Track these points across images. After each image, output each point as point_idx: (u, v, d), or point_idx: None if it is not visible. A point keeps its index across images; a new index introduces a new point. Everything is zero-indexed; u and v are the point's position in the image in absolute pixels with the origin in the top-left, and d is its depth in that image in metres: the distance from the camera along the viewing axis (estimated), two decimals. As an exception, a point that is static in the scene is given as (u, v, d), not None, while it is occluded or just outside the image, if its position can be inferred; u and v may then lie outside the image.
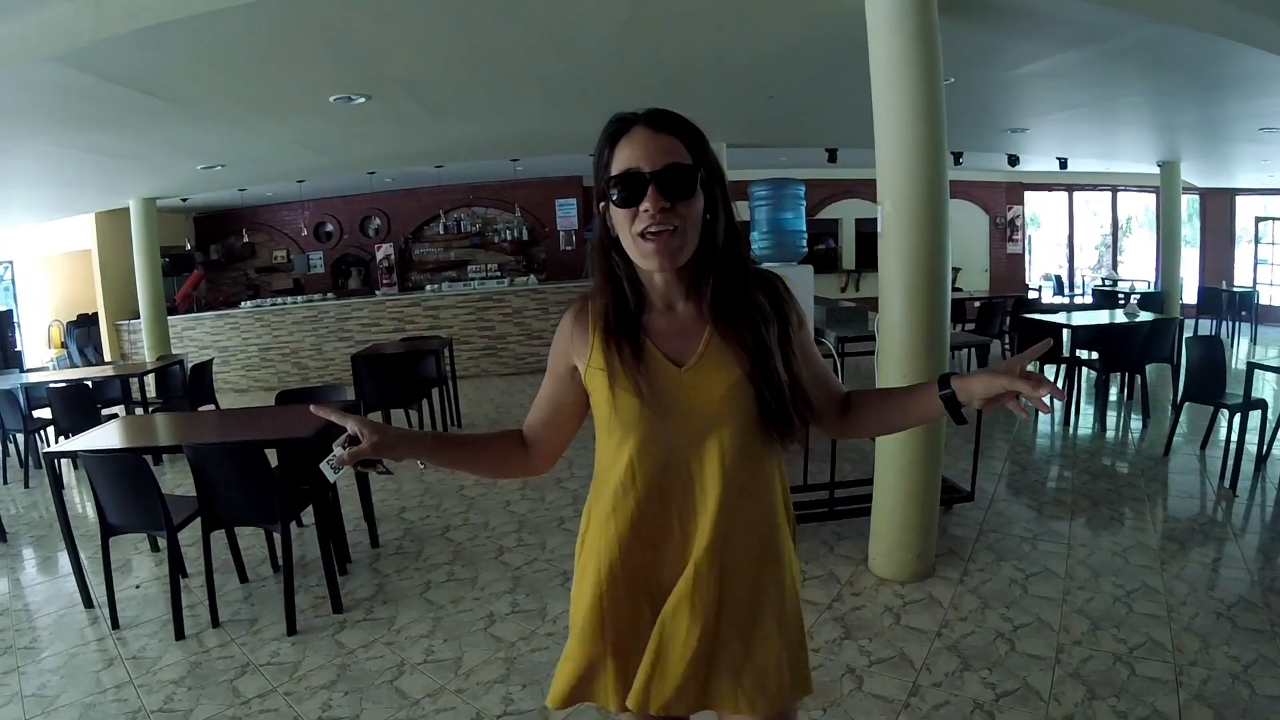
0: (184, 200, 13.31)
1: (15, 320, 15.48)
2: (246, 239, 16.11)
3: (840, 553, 4.83)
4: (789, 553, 1.77)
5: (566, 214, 15.59)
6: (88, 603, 4.91)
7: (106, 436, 5.10)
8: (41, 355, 15.54)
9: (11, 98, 5.26)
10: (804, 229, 5.12)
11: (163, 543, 4.97)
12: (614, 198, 1.51)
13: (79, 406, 7.97)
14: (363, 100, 6.23)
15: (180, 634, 4.39)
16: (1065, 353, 8.13)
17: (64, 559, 5.05)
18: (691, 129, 1.58)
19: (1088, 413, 8.20)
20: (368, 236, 15.91)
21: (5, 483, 8.46)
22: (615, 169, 1.51)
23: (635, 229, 1.49)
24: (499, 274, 14.92)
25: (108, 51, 4.56)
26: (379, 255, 15.56)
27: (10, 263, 16.01)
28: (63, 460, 5.28)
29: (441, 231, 15.71)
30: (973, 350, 8.83)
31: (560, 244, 15.59)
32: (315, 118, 6.87)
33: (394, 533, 5.69)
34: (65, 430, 7.88)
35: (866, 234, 16.35)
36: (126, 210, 11.45)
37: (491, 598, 4.53)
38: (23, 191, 9.61)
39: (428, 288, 13.44)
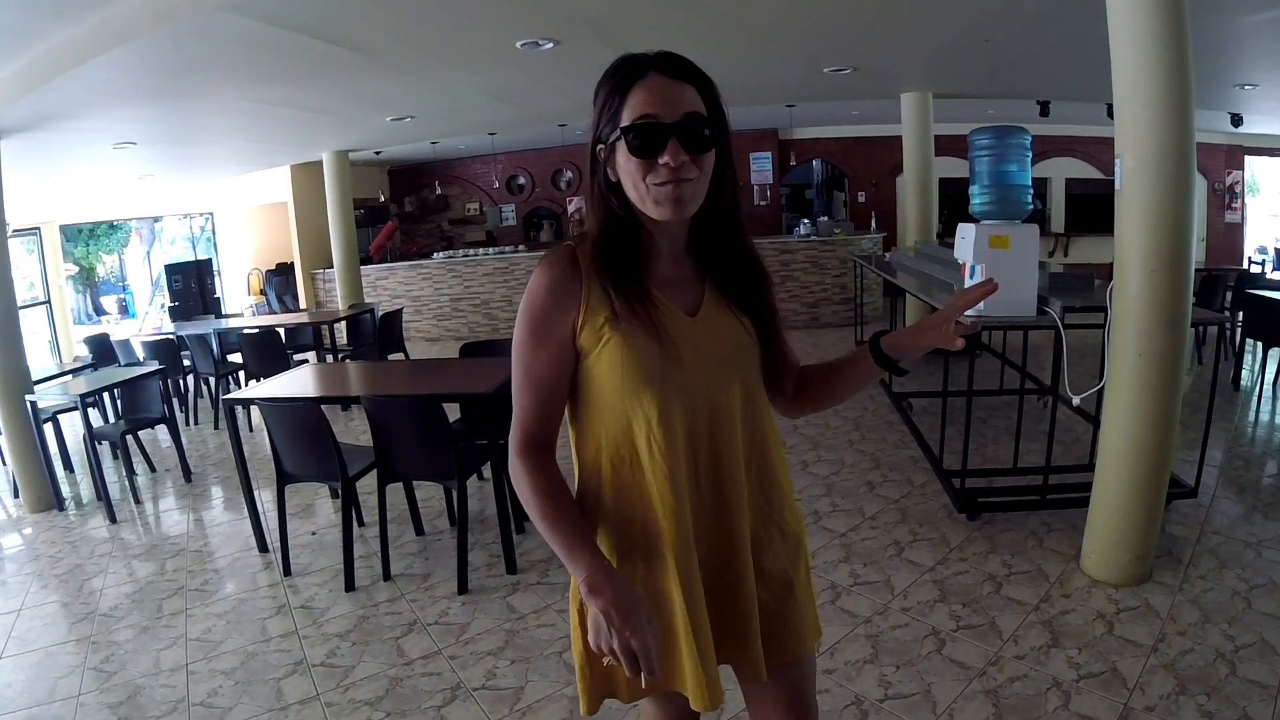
0: (378, 153, 13.76)
1: (216, 269, 16.36)
2: (440, 191, 16.56)
3: (1050, 546, 4.33)
4: (796, 507, 1.75)
5: (761, 168, 15.07)
6: (262, 548, 5.08)
7: (287, 385, 5.19)
8: (241, 302, 16.52)
9: (193, 50, 5.28)
10: (1029, 184, 4.57)
11: (344, 491, 4.98)
12: (630, 147, 1.41)
13: (269, 352, 8.43)
14: (550, 45, 6.00)
15: (350, 585, 4.43)
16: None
17: (245, 503, 5.11)
18: (704, 76, 1.49)
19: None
20: (559, 190, 15.97)
21: (196, 423, 8.96)
22: (629, 116, 1.42)
23: (651, 179, 1.42)
24: None
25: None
26: (570, 208, 15.63)
27: (211, 214, 17.09)
28: (250, 406, 5.34)
29: None
30: (1202, 330, 8.00)
31: (755, 199, 15.08)
32: (502, 66, 6.71)
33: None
34: (256, 375, 8.32)
35: (1078, 195, 15.21)
36: (320, 163, 11.81)
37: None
38: (219, 146, 9.93)
39: None
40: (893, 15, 5.88)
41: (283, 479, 4.67)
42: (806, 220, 12.44)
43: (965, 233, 4.48)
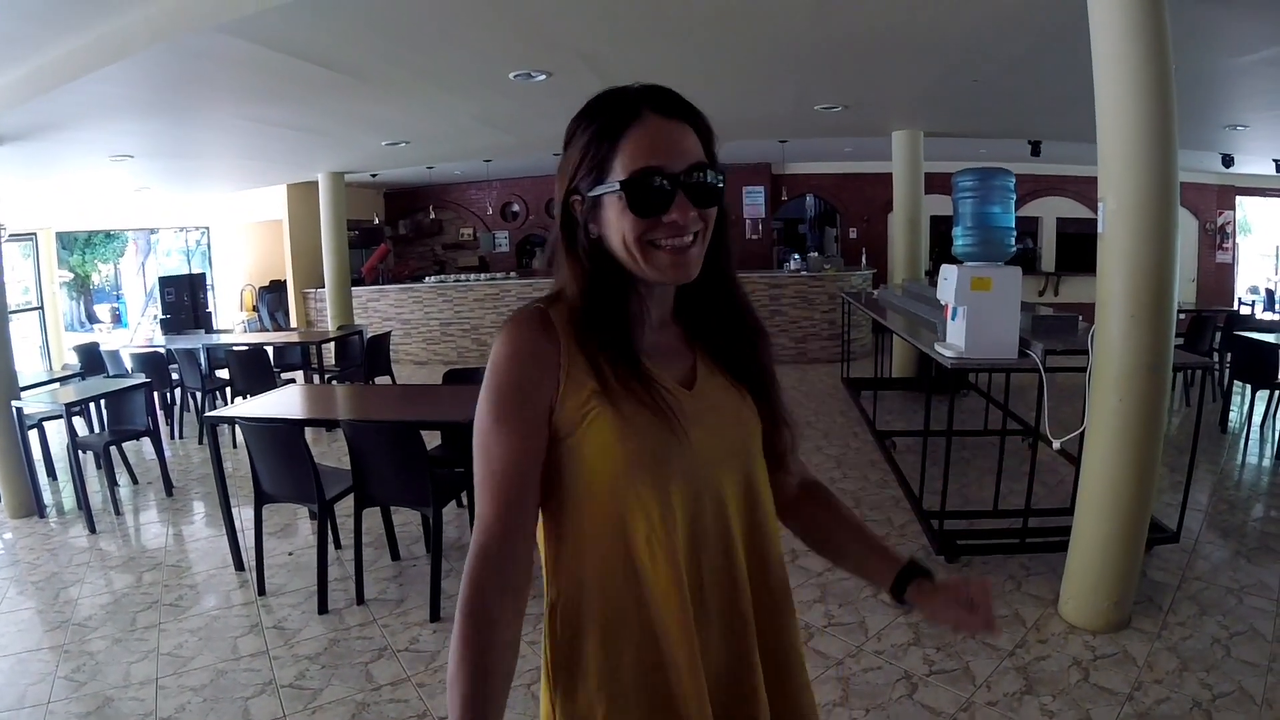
0: (374, 176, 13.81)
1: (209, 283, 16.49)
2: (434, 216, 16.63)
3: (1028, 591, 4.31)
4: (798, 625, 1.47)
5: (754, 201, 15.16)
6: (239, 565, 5.05)
7: (270, 405, 5.17)
8: (233, 317, 16.55)
9: (189, 68, 5.30)
10: (1013, 225, 4.59)
11: (323, 513, 4.98)
12: (631, 204, 1.19)
13: (256, 370, 8.39)
14: (543, 77, 6.07)
15: (324, 607, 4.40)
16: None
17: (223, 520, 5.11)
18: (699, 113, 1.28)
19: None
20: (553, 217, 15.75)
21: (181, 437, 8.97)
22: (626, 166, 1.19)
23: (650, 238, 1.21)
24: None
25: (274, 22, 4.49)
26: (565, 237, 15.52)
27: (207, 228, 17.17)
28: (232, 424, 5.34)
29: None
30: (1190, 372, 8.03)
31: (746, 233, 15.14)
32: (496, 94, 6.75)
33: None
34: (243, 391, 8.28)
35: (1069, 235, 15.28)
36: (316, 183, 11.84)
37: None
38: (215, 162, 9.94)
39: None
40: (881, 53, 5.92)
41: (260, 499, 4.66)
42: (797, 255, 12.51)
43: (948, 274, 4.51)
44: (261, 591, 4.69)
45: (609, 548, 1.22)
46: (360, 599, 4.49)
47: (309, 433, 4.43)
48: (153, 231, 17.03)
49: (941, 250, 9.91)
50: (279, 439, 4.43)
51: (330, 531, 5.08)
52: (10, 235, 12.57)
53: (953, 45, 5.67)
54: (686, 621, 1.21)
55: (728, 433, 1.31)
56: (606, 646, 1.23)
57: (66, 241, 20.09)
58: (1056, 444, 4.01)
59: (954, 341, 4.60)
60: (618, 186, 1.18)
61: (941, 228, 10.66)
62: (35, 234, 14.23)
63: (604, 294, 1.25)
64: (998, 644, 3.78)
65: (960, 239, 4.59)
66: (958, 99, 7.55)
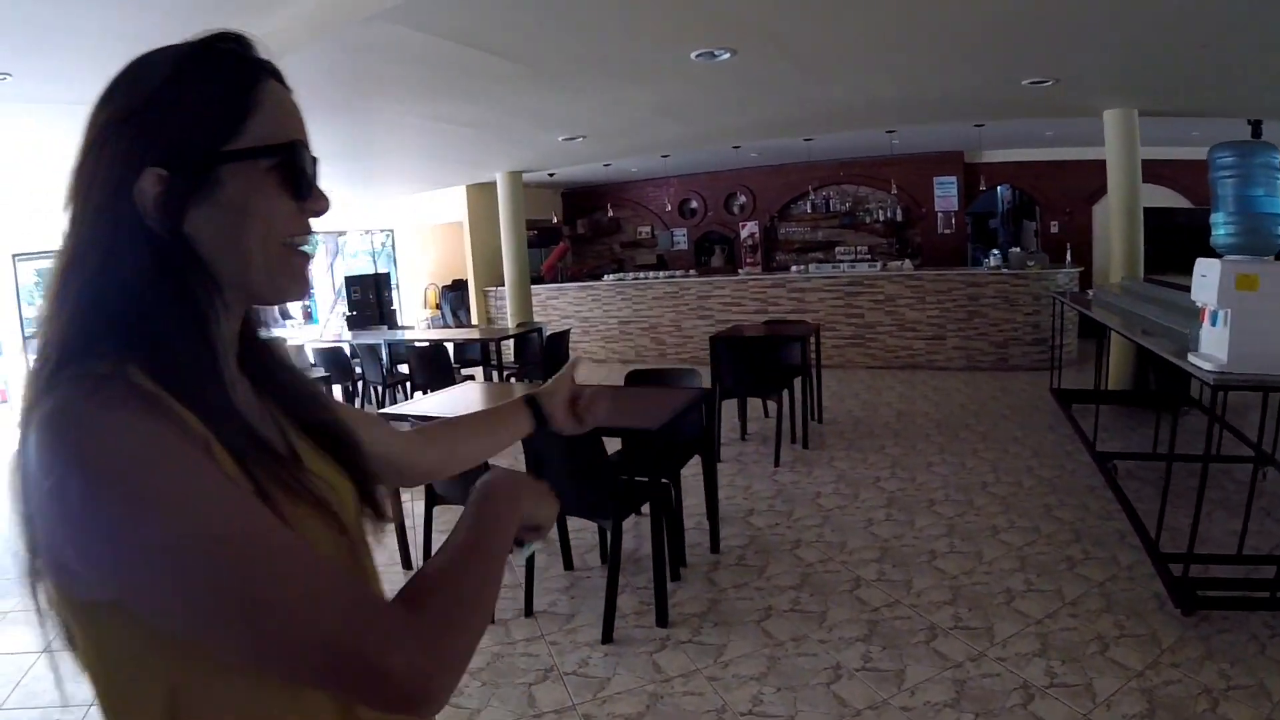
0: (551, 175, 13.81)
1: (394, 282, 17.11)
2: (611, 214, 16.46)
3: (1274, 655, 3.51)
4: None
5: (945, 193, 14.15)
6: (406, 564, 4.93)
7: (445, 404, 5.00)
8: (417, 315, 17.27)
9: (356, 63, 5.20)
10: (1280, 212, 3.85)
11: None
12: (286, 179, 0.88)
13: (435, 366, 8.46)
14: (727, 56, 5.60)
15: (490, 617, 4.06)
16: None
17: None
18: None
19: None
20: (732, 214, 15.58)
21: None
22: (264, 133, 0.86)
23: (283, 233, 0.89)
24: (869, 257, 13.92)
25: (437, 6, 4.28)
26: (743, 233, 15.15)
27: (392, 231, 18.04)
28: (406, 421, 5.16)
29: (809, 210, 14.93)
30: None
31: (938, 226, 14.24)
32: (675, 79, 6.38)
33: (738, 539, 5.03)
34: (422, 386, 8.44)
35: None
36: (495, 184, 11.96)
37: (840, 644, 3.71)
38: (394, 163, 10.04)
39: (793, 268, 12.59)
40: (1104, 21, 5.21)
41: (432, 499, 4.50)
42: (996, 251, 11.59)
43: (1207, 269, 3.77)
44: None
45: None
46: (529, 610, 4.21)
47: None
48: (340, 234, 17.90)
49: (1156, 248, 8.95)
50: None
51: None
52: None
53: (1185, 8, 4.92)
54: None
55: (348, 503, 0.99)
56: None
57: None
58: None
59: (1213, 352, 3.82)
60: (277, 155, 0.87)
61: (1152, 221, 9.59)
62: None
63: (198, 331, 0.84)
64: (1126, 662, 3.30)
65: (1219, 228, 3.89)
66: (1181, 71, 6.67)
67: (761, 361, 6.84)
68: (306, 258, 0.92)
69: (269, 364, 1.02)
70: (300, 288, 0.92)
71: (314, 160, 0.92)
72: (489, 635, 3.97)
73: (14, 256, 11.82)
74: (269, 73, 0.91)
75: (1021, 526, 4.97)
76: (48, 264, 0.94)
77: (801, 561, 4.62)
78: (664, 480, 4.11)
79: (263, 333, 1.03)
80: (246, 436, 0.83)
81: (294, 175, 0.88)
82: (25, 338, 11.80)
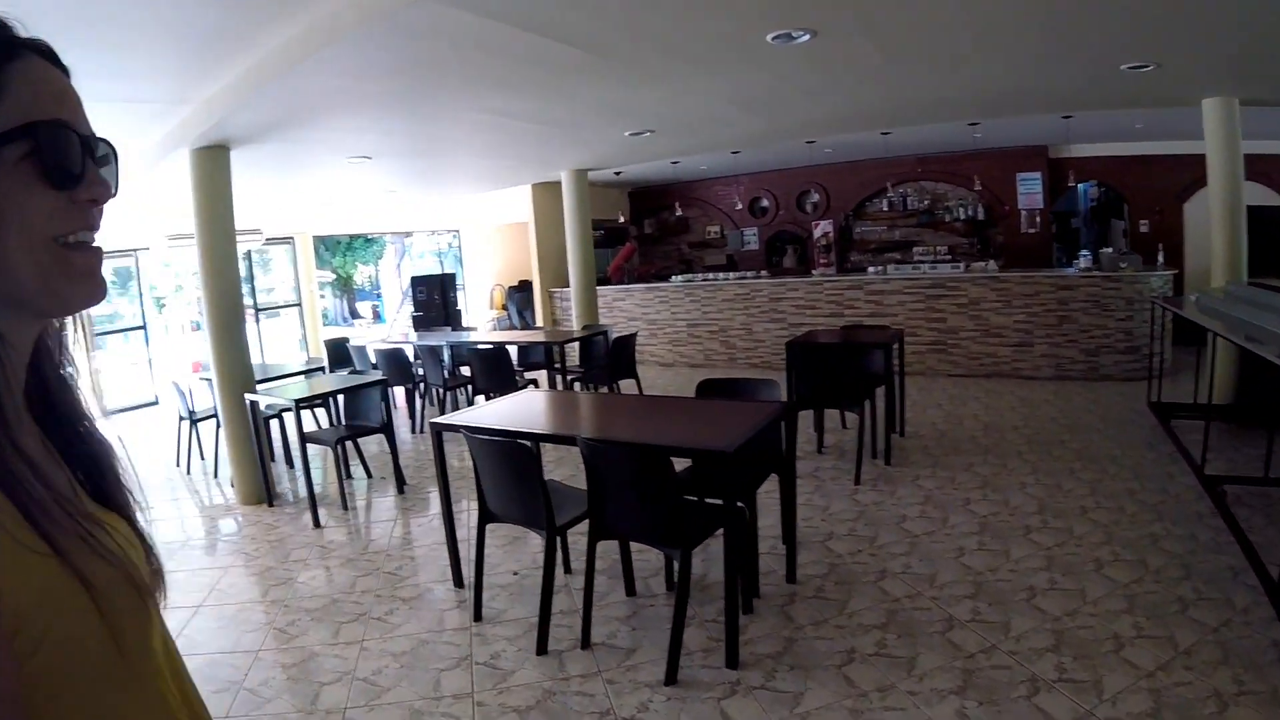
0: (617, 174, 13.54)
1: (460, 282, 17.33)
2: (680, 213, 16.05)
3: None
4: None
5: (1030, 190, 13.36)
6: (458, 581, 4.73)
7: (503, 413, 4.71)
8: (483, 315, 17.52)
9: (412, 51, 4.87)
10: None
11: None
12: (46, 162, 0.73)
13: (497, 370, 8.41)
14: (806, 38, 5.13)
15: (543, 647, 3.86)
16: None
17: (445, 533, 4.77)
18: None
19: None
20: (804, 212, 15.08)
21: (421, 432, 9.22)
22: (19, 112, 0.72)
23: (52, 230, 0.75)
24: (949, 257, 13.19)
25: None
26: (816, 233, 14.57)
27: (458, 231, 18.55)
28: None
29: (885, 208, 14.33)
30: None
31: (1021, 225, 13.47)
32: (750, 66, 5.93)
33: (816, 567, 4.60)
34: (483, 390, 8.48)
35: None
36: (560, 183, 11.72)
37: (933, 696, 3.27)
38: (457, 161, 9.80)
39: (870, 269, 12.08)
40: (1214, 5, 4.71)
41: (485, 517, 4.23)
42: (1086, 252, 10.89)
43: None
44: (478, 616, 4.26)
45: None
46: (585, 642, 3.87)
47: (537, 449, 3.91)
48: (407, 235, 18.20)
49: (1258, 249, 8.28)
50: (509, 455, 3.92)
51: (561, 552, 4.69)
52: (268, 239, 13.59)
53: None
54: None
55: (140, 562, 0.87)
56: None
57: (329, 245, 22.21)
58: None
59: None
60: (26, 141, 0.73)
61: (1254, 220, 8.86)
62: (293, 238, 15.49)
63: None
64: None
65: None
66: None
67: (842, 370, 6.41)
68: (92, 254, 0.79)
69: (61, 411, 0.88)
70: (88, 290, 0.79)
71: (88, 140, 0.79)
72: (540, 668, 3.70)
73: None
74: (30, 50, 0.77)
75: (1127, 560, 4.46)
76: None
77: (887, 596, 4.18)
78: (739, 504, 3.71)
79: (61, 372, 0.89)
80: (33, 485, 0.72)
81: (52, 162, 0.75)
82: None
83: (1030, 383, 9.59)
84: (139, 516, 0.91)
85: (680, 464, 3.71)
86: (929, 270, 11.33)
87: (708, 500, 3.94)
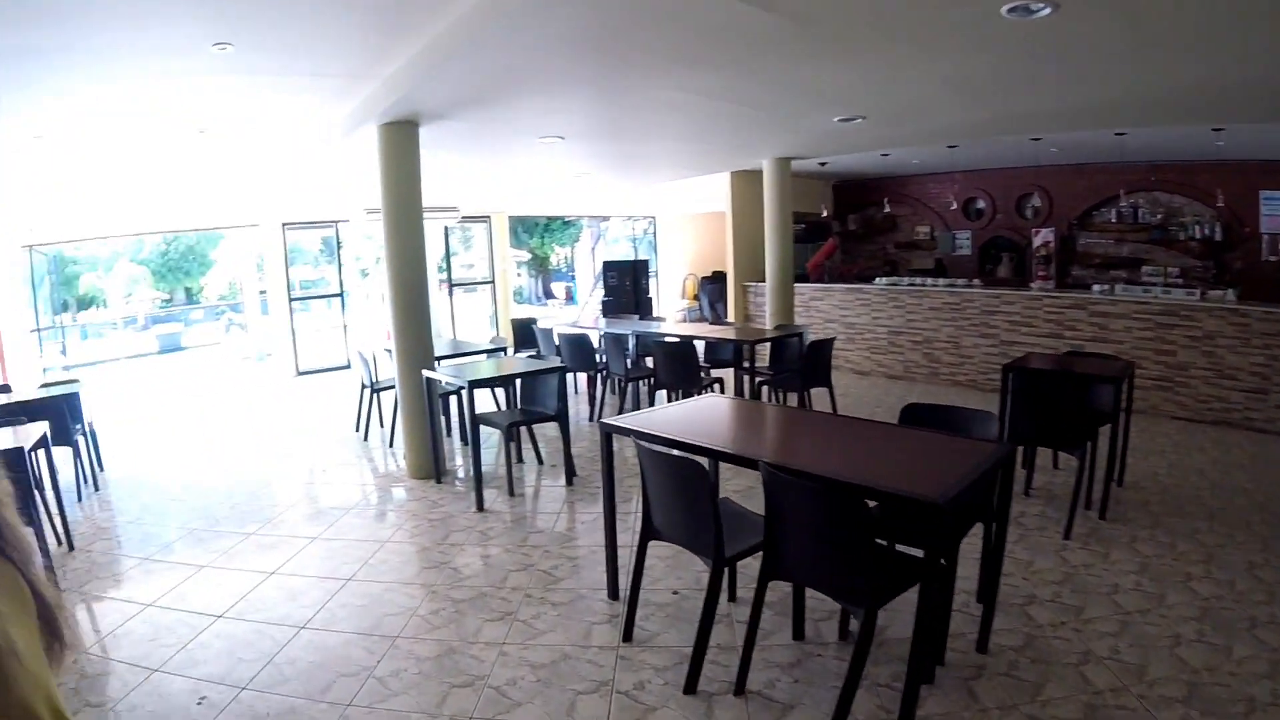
0: (822, 165, 12.87)
1: (652, 270, 17.68)
2: (887, 210, 15.19)
3: None
4: None
5: (1275, 211, 11.38)
6: (613, 593, 4.51)
7: (680, 420, 4.38)
8: (674, 304, 17.60)
9: (599, 23, 4.56)
10: None
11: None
12: None
13: (681, 366, 8.12)
14: (1047, 11, 4.43)
15: (692, 686, 3.50)
16: None
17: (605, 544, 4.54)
18: None
19: None
20: (1024, 218, 13.92)
21: (596, 420, 8.98)
22: None
23: None
24: (1180, 280, 11.66)
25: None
26: (1035, 241, 13.46)
27: (653, 218, 18.68)
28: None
29: (1114, 219, 12.79)
30: None
31: (1262, 251, 11.52)
32: (977, 44, 5.29)
33: (1011, 637, 3.93)
34: (665, 385, 8.33)
35: None
36: (760, 172, 11.35)
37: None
38: (652, 145, 9.57)
39: (1094, 287, 10.72)
40: None
41: (648, 533, 3.93)
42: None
43: None
44: (628, 637, 3.99)
45: None
46: (740, 688, 3.47)
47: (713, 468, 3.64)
48: (603, 219, 18.33)
49: None
50: (679, 474, 3.58)
51: (729, 577, 4.36)
52: (464, 218, 13.85)
53: None
54: None
55: None
56: None
57: (527, 225, 22.68)
58: None
59: None
60: None
61: None
62: (489, 217, 15.95)
63: None
64: None
65: None
66: None
67: (1063, 403, 5.54)
68: None
69: None
70: None
71: None
72: (685, 710, 3.34)
73: (29, 247, 12.24)
74: None
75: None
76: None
77: (1088, 686, 3.49)
78: (945, 562, 3.16)
79: None
80: None
81: None
82: (36, 329, 12.40)
83: (1264, 437, 8.12)
84: (29, 567, 0.85)
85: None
86: (1161, 294, 9.95)
87: (898, 547, 3.43)
